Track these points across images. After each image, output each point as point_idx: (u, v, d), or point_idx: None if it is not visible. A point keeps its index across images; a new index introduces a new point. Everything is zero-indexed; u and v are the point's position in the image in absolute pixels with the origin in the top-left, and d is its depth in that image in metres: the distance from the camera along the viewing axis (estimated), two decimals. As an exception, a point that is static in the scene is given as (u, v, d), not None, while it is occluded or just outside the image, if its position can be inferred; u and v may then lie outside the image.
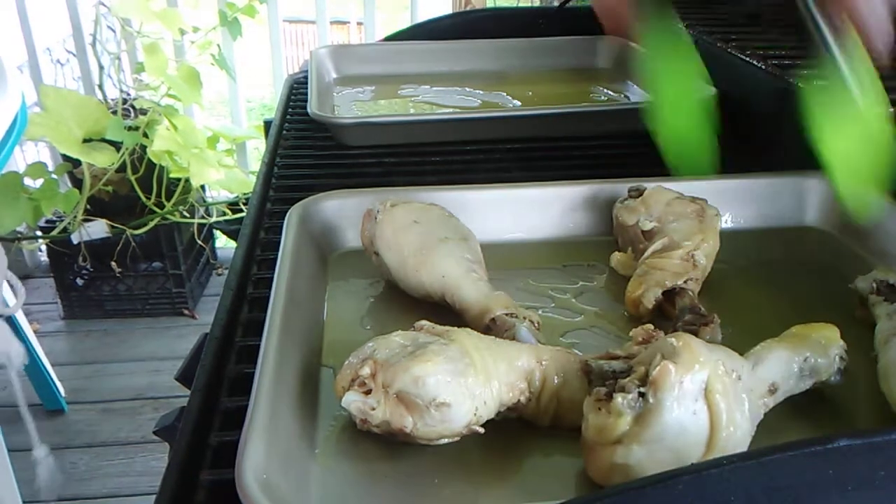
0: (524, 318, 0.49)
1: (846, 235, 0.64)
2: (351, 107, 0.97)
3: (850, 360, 0.45)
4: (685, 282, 0.53)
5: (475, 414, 0.40)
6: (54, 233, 1.80)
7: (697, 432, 0.36)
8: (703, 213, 0.58)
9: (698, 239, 0.56)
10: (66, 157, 1.69)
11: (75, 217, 1.74)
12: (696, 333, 0.47)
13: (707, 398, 0.37)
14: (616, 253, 0.61)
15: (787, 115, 0.76)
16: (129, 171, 1.74)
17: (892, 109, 0.43)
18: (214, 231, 2.18)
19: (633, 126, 0.87)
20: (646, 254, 0.56)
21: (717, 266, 0.57)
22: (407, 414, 0.40)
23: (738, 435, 0.37)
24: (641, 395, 0.36)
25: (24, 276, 2.25)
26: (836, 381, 0.44)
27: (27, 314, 1.82)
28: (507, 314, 0.49)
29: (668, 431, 0.36)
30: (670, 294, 0.53)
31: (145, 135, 1.70)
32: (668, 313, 0.53)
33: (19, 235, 1.86)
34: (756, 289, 0.58)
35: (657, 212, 0.59)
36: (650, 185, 0.62)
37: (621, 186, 0.64)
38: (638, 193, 0.61)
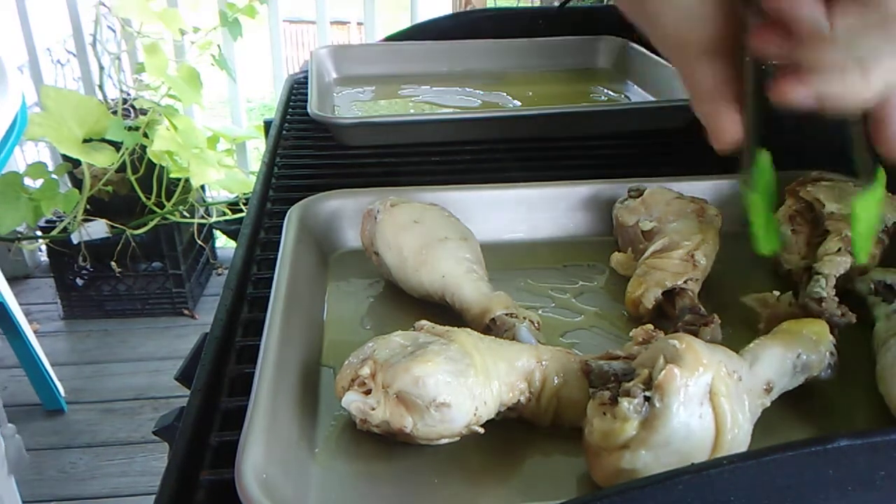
0: (524, 318, 0.49)
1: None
2: (351, 107, 0.97)
3: (849, 360, 0.45)
4: (685, 282, 0.53)
5: (475, 414, 0.40)
6: (54, 233, 1.80)
7: (703, 435, 0.36)
8: (703, 213, 0.58)
9: (698, 239, 0.56)
10: (66, 157, 1.69)
11: (75, 217, 1.74)
12: (696, 334, 0.47)
13: (712, 401, 0.37)
14: (616, 253, 0.61)
15: (788, 115, 0.76)
16: (129, 171, 1.74)
17: None
18: (214, 231, 2.18)
19: (633, 126, 0.88)
20: (646, 254, 0.56)
21: (717, 266, 0.57)
22: (407, 414, 0.40)
23: (740, 436, 0.37)
24: (647, 399, 0.36)
25: (24, 276, 2.25)
26: (827, 375, 0.45)
27: (27, 314, 1.82)
28: (507, 314, 0.49)
29: (674, 435, 0.36)
30: (670, 294, 0.53)
31: (145, 135, 1.70)
32: (669, 313, 0.53)
33: (19, 235, 1.85)
34: (756, 289, 0.58)
35: (657, 212, 0.59)
36: (650, 186, 0.62)
37: (621, 186, 0.64)
38: (638, 193, 0.61)
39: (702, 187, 0.65)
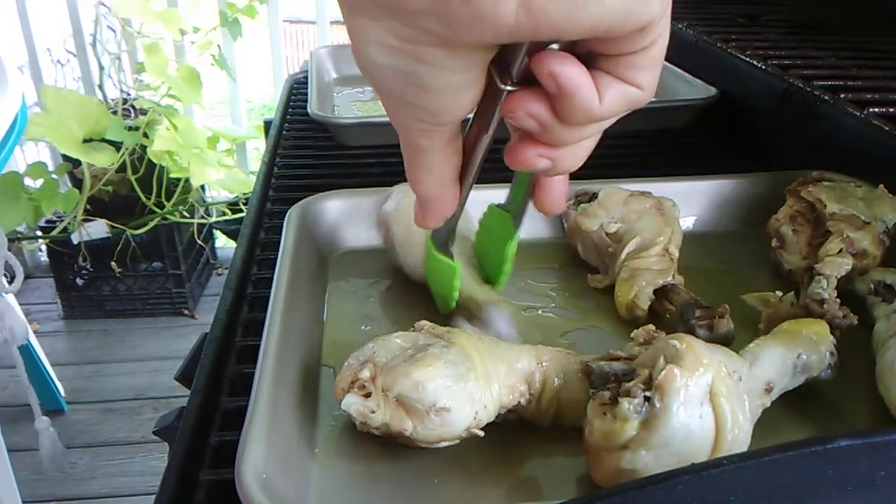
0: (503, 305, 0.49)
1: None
2: (351, 107, 0.97)
3: (849, 360, 0.45)
4: (672, 277, 0.53)
5: (475, 418, 0.40)
6: (54, 233, 1.80)
7: (703, 436, 0.36)
8: (661, 206, 0.58)
9: (668, 232, 0.56)
10: (66, 157, 1.69)
11: (75, 217, 1.74)
12: (711, 328, 0.48)
13: (712, 401, 0.37)
14: (590, 275, 0.59)
15: (788, 115, 0.76)
16: (129, 171, 1.74)
17: None
18: (214, 231, 2.18)
19: (633, 126, 0.87)
20: (621, 256, 0.56)
21: (717, 266, 0.57)
22: (407, 417, 0.39)
23: (741, 437, 0.37)
24: (647, 399, 0.36)
25: (25, 277, 2.25)
26: (827, 375, 0.45)
27: (27, 314, 1.82)
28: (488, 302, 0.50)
29: (675, 436, 0.36)
30: (659, 292, 0.53)
31: (145, 135, 1.70)
32: (659, 311, 0.53)
33: (19, 235, 1.86)
34: (756, 289, 0.58)
35: (617, 212, 0.58)
36: (597, 187, 0.61)
37: (621, 185, 0.64)
38: (591, 197, 0.60)
39: (702, 187, 0.65)
